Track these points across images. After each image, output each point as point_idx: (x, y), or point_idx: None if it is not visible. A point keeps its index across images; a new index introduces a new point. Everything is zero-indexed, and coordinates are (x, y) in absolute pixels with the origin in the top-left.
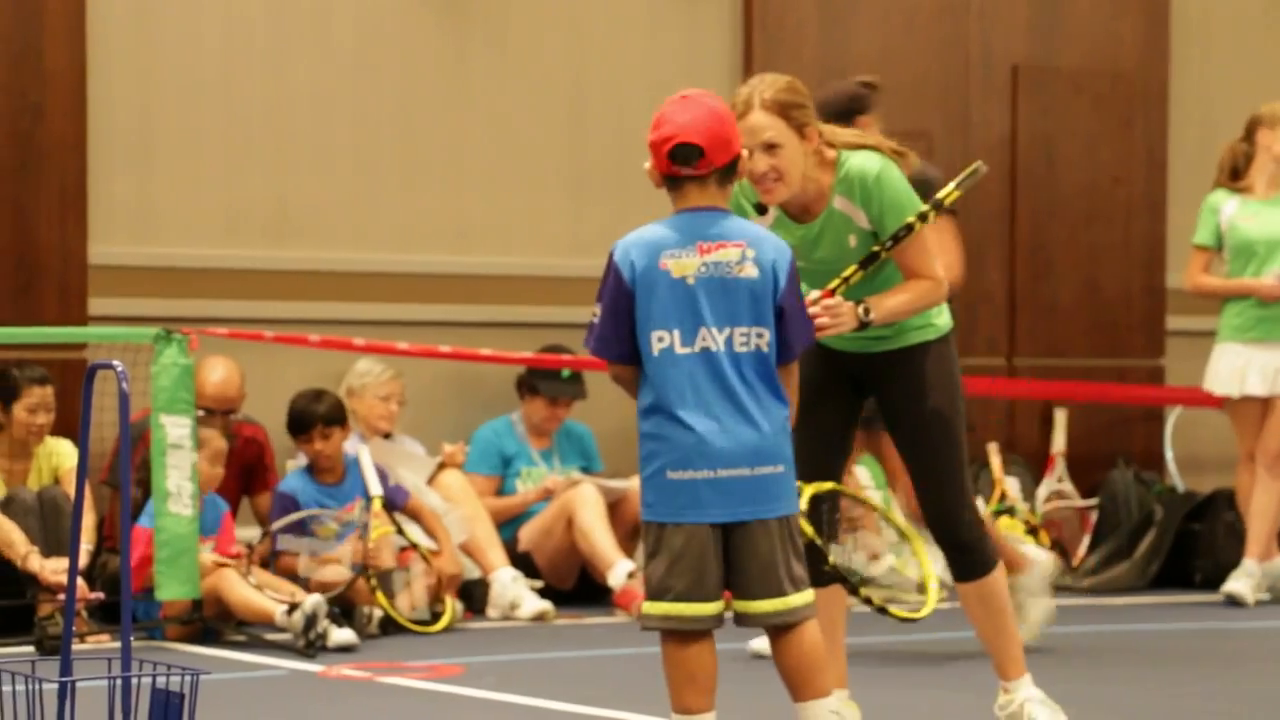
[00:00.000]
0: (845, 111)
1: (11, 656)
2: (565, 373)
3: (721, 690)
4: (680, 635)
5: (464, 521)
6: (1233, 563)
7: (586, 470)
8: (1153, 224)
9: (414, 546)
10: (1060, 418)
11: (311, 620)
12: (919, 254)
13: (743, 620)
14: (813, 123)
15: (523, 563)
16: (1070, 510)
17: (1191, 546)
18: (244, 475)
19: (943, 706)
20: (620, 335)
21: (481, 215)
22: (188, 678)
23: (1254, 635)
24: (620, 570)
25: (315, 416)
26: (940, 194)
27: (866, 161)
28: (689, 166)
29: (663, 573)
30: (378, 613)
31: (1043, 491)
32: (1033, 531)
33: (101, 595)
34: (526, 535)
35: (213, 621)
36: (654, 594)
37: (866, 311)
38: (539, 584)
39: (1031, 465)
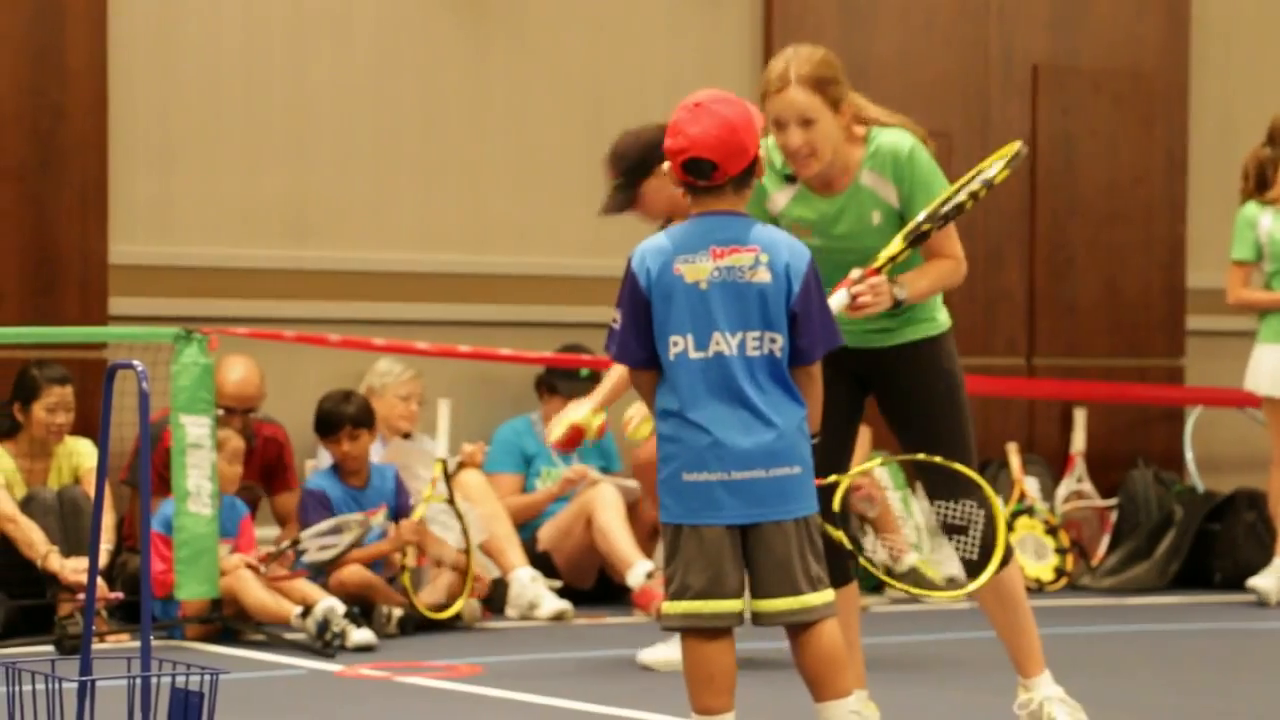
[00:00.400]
0: (643, 161)
1: (31, 656)
2: (584, 372)
3: (740, 690)
4: (700, 634)
5: (483, 521)
6: (1252, 563)
7: (605, 470)
8: (1173, 224)
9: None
10: (1080, 417)
11: (324, 625)
12: (946, 235)
13: (759, 619)
14: (846, 97)
15: (542, 562)
16: (1090, 510)
17: (1211, 547)
18: (264, 475)
19: (962, 707)
20: (640, 341)
21: (501, 215)
22: (207, 677)
23: (1274, 636)
24: (639, 570)
25: (344, 418)
26: (991, 174)
27: (899, 138)
28: (703, 179)
29: (681, 573)
30: (397, 612)
31: (1062, 491)
32: (1052, 531)
33: (121, 595)
34: (545, 535)
35: (232, 621)
36: (674, 594)
37: (901, 289)
38: (558, 584)
39: (1051, 465)
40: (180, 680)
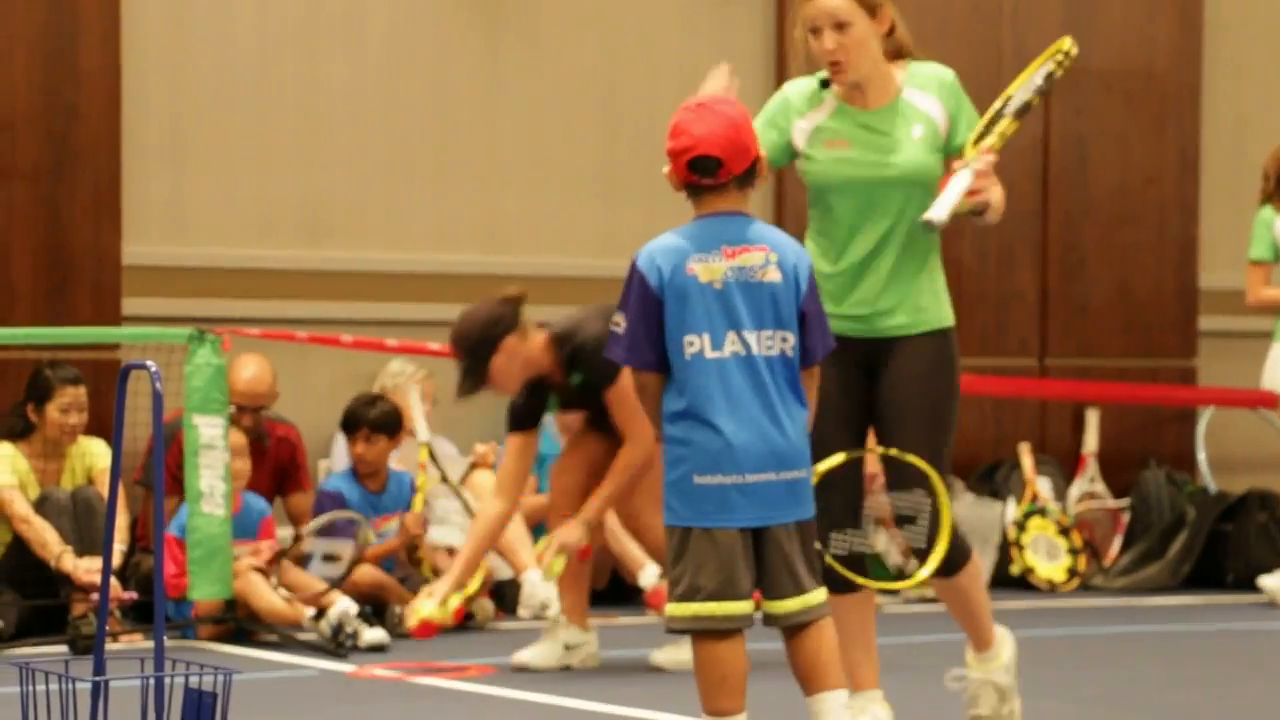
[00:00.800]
0: (485, 339)
1: (45, 656)
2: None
3: (751, 690)
4: (712, 635)
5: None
6: (1264, 563)
7: None
8: (1185, 224)
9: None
10: (1092, 418)
11: (338, 629)
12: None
13: (772, 620)
14: (886, 5)
15: None
16: (1102, 511)
17: (1223, 547)
18: (277, 475)
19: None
20: (651, 342)
21: (513, 215)
22: (220, 677)
23: None
24: (651, 571)
25: (362, 419)
26: (1049, 68)
27: (940, 68)
28: (709, 177)
29: (691, 575)
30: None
31: (1074, 492)
32: (1064, 532)
33: (135, 595)
34: None
35: (245, 621)
36: (682, 596)
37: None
38: None
39: (1063, 465)
40: (193, 680)
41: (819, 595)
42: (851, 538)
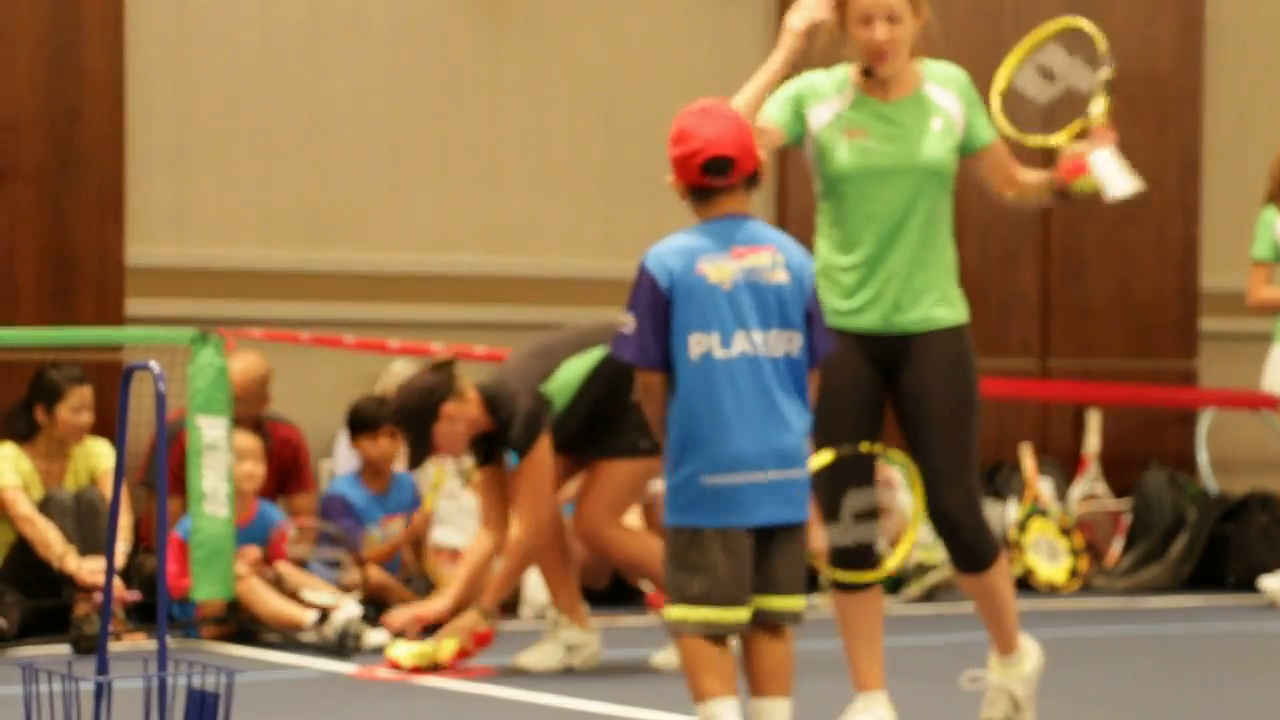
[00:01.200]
0: (425, 408)
1: (48, 656)
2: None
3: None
4: (709, 636)
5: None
6: (1265, 564)
7: None
8: (1186, 226)
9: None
10: (1093, 419)
11: (344, 635)
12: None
13: (768, 616)
14: (926, 5)
15: None
16: (1103, 512)
17: (1224, 549)
18: (280, 476)
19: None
20: (659, 341)
21: (516, 217)
22: (223, 677)
23: None
24: None
25: (382, 417)
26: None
27: (955, 68)
28: (722, 177)
29: (699, 579)
30: None
31: (1076, 493)
32: (1066, 533)
33: (139, 595)
34: None
35: (248, 621)
36: (691, 599)
37: None
38: None
39: (1064, 466)
40: (196, 680)
41: (804, 602)
42: (855, 532)
